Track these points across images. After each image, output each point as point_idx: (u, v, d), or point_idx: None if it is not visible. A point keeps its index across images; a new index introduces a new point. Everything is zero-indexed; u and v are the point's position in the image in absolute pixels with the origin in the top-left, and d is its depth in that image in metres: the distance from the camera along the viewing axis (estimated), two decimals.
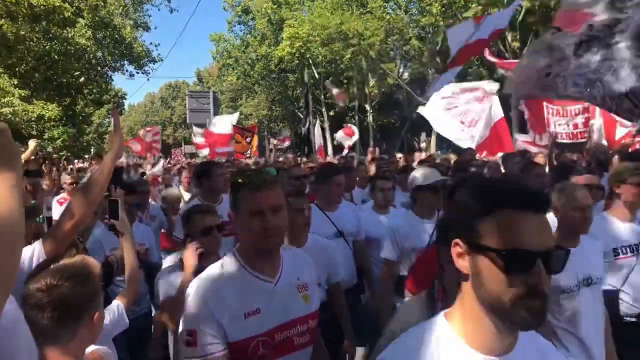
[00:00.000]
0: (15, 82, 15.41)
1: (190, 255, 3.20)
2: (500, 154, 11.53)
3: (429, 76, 36.80)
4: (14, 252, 1.16)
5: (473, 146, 11.76)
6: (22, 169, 5.06)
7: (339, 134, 17.84)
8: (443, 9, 28.45)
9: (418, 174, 4.61)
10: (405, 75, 41.70)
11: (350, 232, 4.93)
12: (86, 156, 43.58)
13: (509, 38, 27.47)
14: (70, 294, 1.91)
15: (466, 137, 12.22)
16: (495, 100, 12.06)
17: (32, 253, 2.42)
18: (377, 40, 32.87)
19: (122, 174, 4.84)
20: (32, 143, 7.25)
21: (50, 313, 1.88)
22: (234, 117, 18.87)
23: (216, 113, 49.25)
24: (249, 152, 17.88)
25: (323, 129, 42.50)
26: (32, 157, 8.64)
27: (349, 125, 19.10)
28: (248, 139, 18.11)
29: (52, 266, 2.00)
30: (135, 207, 5.20)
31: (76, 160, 35.88)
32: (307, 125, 16.76)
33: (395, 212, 5.54)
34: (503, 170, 7.57)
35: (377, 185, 5.62)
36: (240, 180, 2.20)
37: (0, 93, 12.13)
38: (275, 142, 17.53)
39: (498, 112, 11.81)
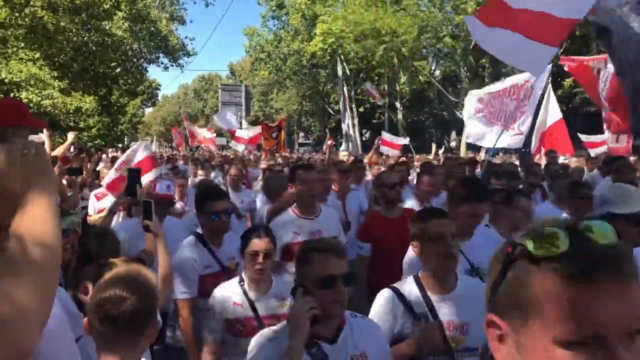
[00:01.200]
0: (55, 74, 15.96)
1: (301, 318, 2.14)
2: (575, 158, 10.84)
3: (461, 75, 36.49)
4: (51, 279, 1.17)
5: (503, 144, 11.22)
6: (64, 167, 5.27)
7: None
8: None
9: (612, 194, 3.13)
10: (437, 73, 41.42)
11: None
12: (119, 145, 44.62)
13: None
14: (139, 306, 1.92)
15: (494, 135, 11.74)
16: (552, 100, 11.51)
17: None
18: (410, 38, 32.73)
19: (140, 174, 4.67)
20: (70, 135, 7.54)
21: (120, 324, 1.90)
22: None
23: (247, 107, 49.84)
24: (274, 148, 17.32)
25: (353, 125, 42.61)
26: (74, 154, 8.99)
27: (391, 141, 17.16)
28: (274, 134, 17.52)
29: (113, 276, 2.02)
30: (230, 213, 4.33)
31: (110, 150, 36.76)
32: (346, 121, 16.27)
33: None
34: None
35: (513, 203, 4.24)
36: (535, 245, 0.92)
37: (42, 85, 12.60)
38: (330, 142, 16.78)
39: (555, 113, 11.27)
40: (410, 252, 3.31)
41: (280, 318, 2.88)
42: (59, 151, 6.89)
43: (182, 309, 3.73)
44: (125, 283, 1.96)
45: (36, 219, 1.16)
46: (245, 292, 3.24)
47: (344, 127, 15.35)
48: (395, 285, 2.87)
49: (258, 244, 3.20)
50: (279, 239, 3.86)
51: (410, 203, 5.70)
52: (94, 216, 7.23)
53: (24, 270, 1.09)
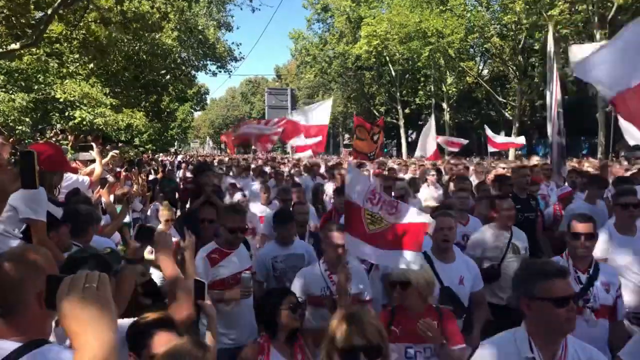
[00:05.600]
0: (107, 91, 16.55)
1: None
2: None
3: (509, 74, 35.67)
4: None
5: None
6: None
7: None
8: (527, 6, 27.43)
9: None
10: (485, 72, 40.66)
11: None
12: (171, 149, 45.82)
13: (598, 36, 26.13)
14: None
15: None
16: None
17: None
18: (456, 39, 32.27)
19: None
20: (110, 154, 7.81)
21: None
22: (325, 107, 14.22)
23: (293, 110, 50.24)
24: (373, 153, 13.85)
25: (398, 127, 42.31)
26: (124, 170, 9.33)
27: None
28: (375, 137, 13.82)
29: (173, 350, 2.05)
30: None
31: (161, 154, 37.74)
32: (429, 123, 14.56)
33: None
34: None
35: None
36: None
37: (94, 103, 13.14)
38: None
39: None
40: None
41: None
42: (97, 167, 6.97)
43: None
44: (179, 357, 1.99)
45: None
46: None
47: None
48: None
49: None
50: None
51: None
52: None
53: None
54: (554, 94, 9.09)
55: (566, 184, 8.56)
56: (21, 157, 2.70)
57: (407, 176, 11.81)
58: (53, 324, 2.25)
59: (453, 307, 3.78)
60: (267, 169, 13.40)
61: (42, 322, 1.95)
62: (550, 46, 9.87)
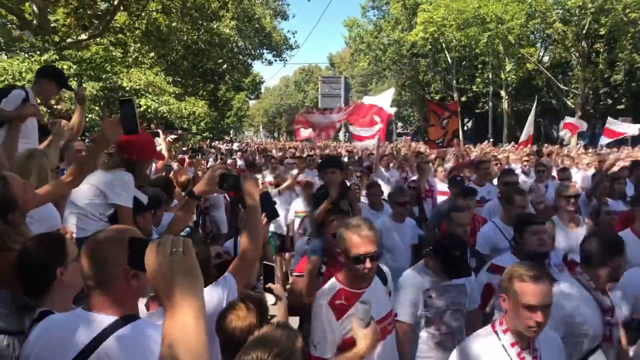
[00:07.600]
0: (170, 80, 17.02)
1: None
2: None
3: (572, 61, 34.37)
4: None
5: None
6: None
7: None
8: None
9: None
10: (546, 59, 39.28)
11: None
12: (226, 137, 46.60)
13: None
14: None
15: None
16: None
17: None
18: (516, 24, 31.28)
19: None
20: (167, 138, 7.92)
21: None
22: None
23: (346, 98, 50.01)
24: (441, 140, 12.15)
25: None
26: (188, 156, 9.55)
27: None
28: (444, 122, 12.12)
29: (262, 337, 2.02)
30: None
31: (217, 142, 38.44)
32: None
33: None
34: None
35: None
36: None
37: (159, 91, 13.52)
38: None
39: None
40: None
41: None
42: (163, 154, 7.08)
43: None
44: (268, 346, 1.95)
45: (186, 327, 1.19)
46: None
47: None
48: None
49: None
50: None
51: None
52: None
53: None
54: None
55: None
56: (121, 104, 2.74)
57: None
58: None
59: None
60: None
61: (133, 299, 2.04)
62: None
